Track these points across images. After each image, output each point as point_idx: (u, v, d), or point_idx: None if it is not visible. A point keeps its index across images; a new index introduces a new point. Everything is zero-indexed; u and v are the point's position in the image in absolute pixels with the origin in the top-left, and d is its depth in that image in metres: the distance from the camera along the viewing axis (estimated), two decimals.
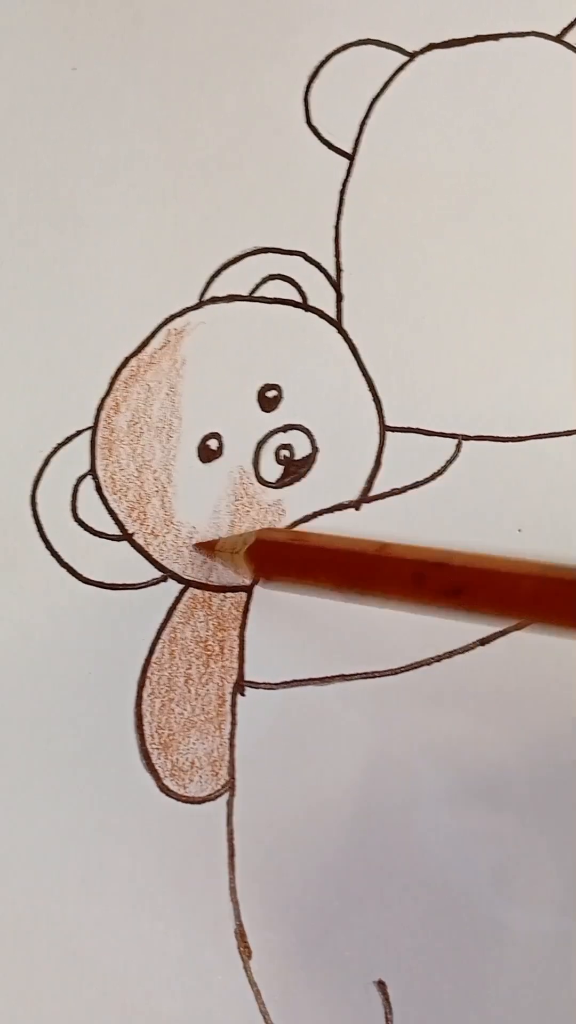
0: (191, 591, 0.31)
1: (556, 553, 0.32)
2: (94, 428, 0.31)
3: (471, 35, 0.33)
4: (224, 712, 0.31)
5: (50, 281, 0.32)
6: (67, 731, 0.31)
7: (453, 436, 0.32)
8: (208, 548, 0.31)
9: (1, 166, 0.32)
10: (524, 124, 0.33)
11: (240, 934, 0.31)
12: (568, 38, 0.33)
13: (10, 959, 0.30)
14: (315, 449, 0.32)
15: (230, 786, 0.31)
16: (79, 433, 0.31)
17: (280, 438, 0.32)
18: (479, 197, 0.33)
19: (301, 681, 0.31)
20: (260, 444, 0.32)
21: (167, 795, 0.31)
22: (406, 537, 0.31)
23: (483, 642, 0.31)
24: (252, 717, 0.31)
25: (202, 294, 0.32)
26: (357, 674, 0.31)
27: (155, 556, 0.31)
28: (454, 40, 0.33)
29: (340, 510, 0.32)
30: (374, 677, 0.31)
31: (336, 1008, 0.31)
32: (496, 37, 0.33)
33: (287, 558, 0.28)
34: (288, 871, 0.31)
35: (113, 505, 0.31)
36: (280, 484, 0.32)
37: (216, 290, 0.32)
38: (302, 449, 0.32)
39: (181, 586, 0.31)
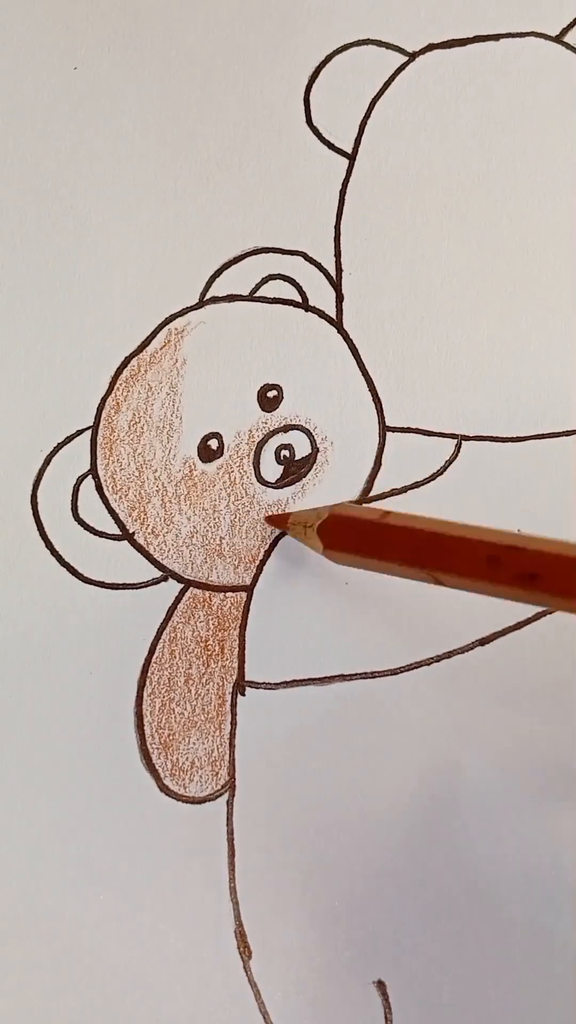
0: (191, 590, 0.31)
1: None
2: (95, 427, 0.31)
3: (471, 35, 0.33)
4: (224, 712, 0.31)
5: (50, 281, 0.32)
6: (67, 731, 0.31)
7: (453, 436, 0.32)
8: (280, 521, 0.31)
9: (1, 166, 0.32)
10: (524, 124, 0.33)
11: (240, 934, 0.31)
12: (567, 38, 0.33)
13: (10, 959, 0.30)
14: (315, 449, 0.32)
15: (230, 786, 0.31)
16: (80, 432, 0.31)
17: (280, 438, 0.32)
18: (479, 197, 0.33)
19: (301, 681, 0.31)
20: (260, 444, 0.32)
21: (167, 795, 0.31)
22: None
23: (483, 642, 0.32)
24: (252, 717, 0.31)
25: (203, 294, 0.32)
26: (357, 674, 0.31)
27: (155, 555, 0.31)
28: (454, 40, 0.33)
29: None
30: (374, 677, 0.31)
31: (336, 1008, 0.31)
32: (496, 37, 0.33)
33: (360, 536, 0.28)
34: (288, 871, 0.31)
35: (113, 504, 0.31)
36: (280, 484, 0.32)
37: (217, 290, 0.32)
38: (302, 449, 0.32)
39: (181, 585, 0.31)
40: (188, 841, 0.31)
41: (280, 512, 0.32)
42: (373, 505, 0.31)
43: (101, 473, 0.31)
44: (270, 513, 0.32)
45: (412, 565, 0.26)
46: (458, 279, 0.33)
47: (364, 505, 0.31)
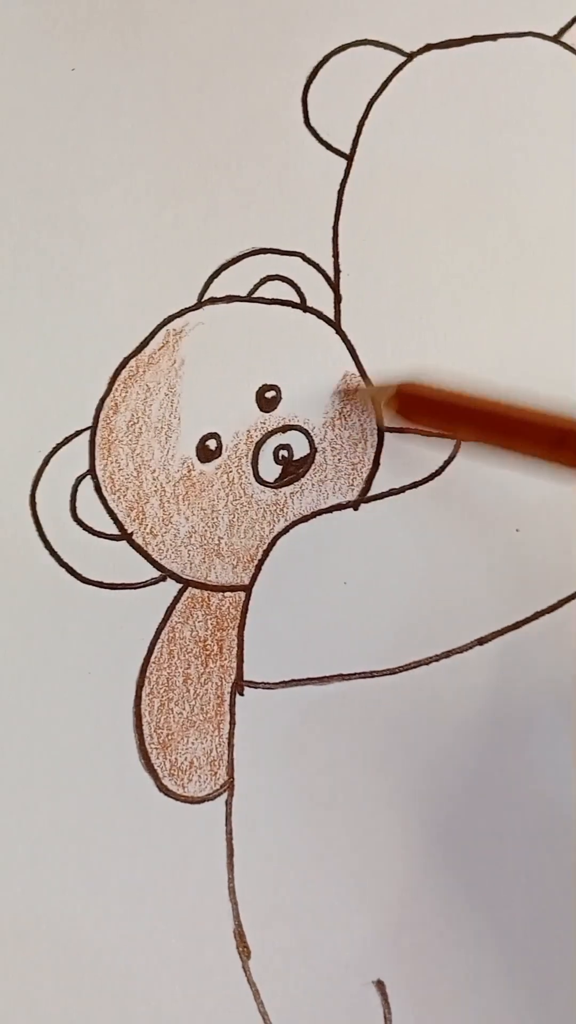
0: (190, 590, 0.31)
1: (554, 553, 0.32)
2: (93, 428, 0.31)
3: (469, 35, 0.33)
4: (223, 712, 0.31)
5: (49, 282, 0.32)
6: (66, 731, 0.31)
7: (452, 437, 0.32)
8: (351, 391, 0.32)
9: (1, 166, 0.32)
10: (522, 124, 0.33)
11: (239, 934, 0.31)
12: (565, 38, 0.33)
13: (10, 959, 0.30)
14: (313, 449, 0.32)
15: (229, 786, 0.31)
16: (78, 433, 0.31)
17: (279, 438, 0.32)
18: (477, 197, 0.33)
19: (300, 681, 0.31)
20: (259, 444, 0.32)
21: (166, 795, 0.31)
22: (403, 538, 0.32)
23: (481, 642, 0.32)
24: (251, 717, 0.31)
25: (201, 295, 0.32)
26: (356, 674, 0.31)
27: (154, 555, 0.31)
28: (452, 40, 0.33)
29: (338, 510, 0.32)
30: (373, 677, 0.31)
31: (335, 1008, 0.31)
32: (494, 37, 0.33)
33: (434, 405, 0.29)
34: (287, 871, 0.31)
35: (112, 505, 0.31)
36: (279, 484, 0.32)
37: (215, 291, 0.32)
38: (300, 449, 0.32)
39: (180, 585, 0.31)
40: (187, 841, 0.31)
41: (279, 510, 0.32)
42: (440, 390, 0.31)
43: (100, 473, 0.31)
44: (263, 515, 0.32)
45: (482, 437, 0.27)
46: (456, 279, 0.33)
47: (432, 386, 0.31)
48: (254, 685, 0.31)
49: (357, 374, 0.32)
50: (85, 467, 0.31)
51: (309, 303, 0.32)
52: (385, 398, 0.29)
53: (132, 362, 0.32)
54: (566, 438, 0.24)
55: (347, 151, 0.33)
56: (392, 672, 0.31)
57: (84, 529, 0.31)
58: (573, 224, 0.33)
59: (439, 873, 0.31)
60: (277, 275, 0.32)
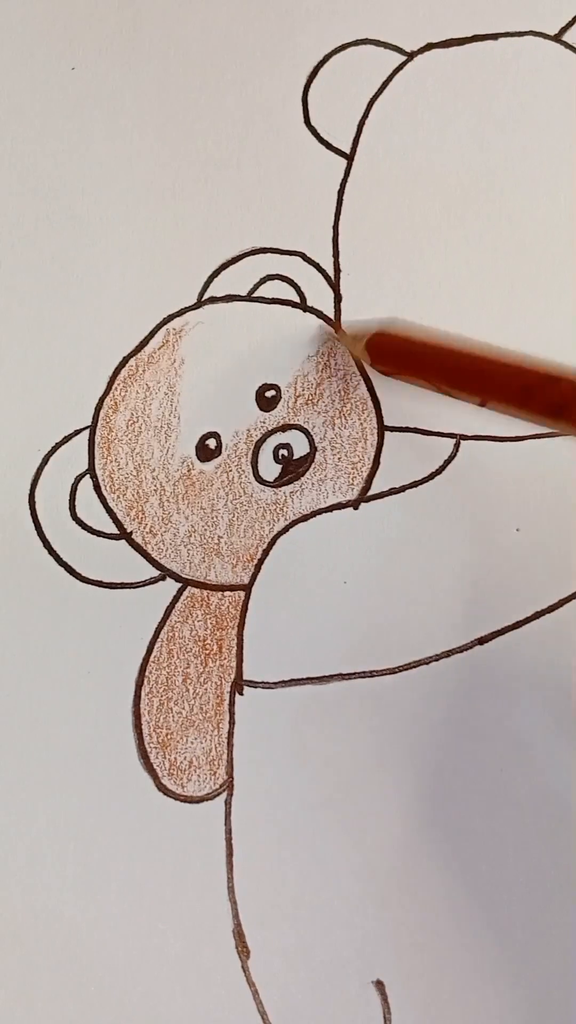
0: (189, 590, 0.31)
1: (554, 553, 0.32)
2: (93, 427, 0.31)
3: (469, 35, 0.33)
4: (222, 711, 0.31)
5: (49, 281, 0.32)
6: (65, 730, 0.31)
7: (452, 436, 0.32)
8: (334, 327, 0.32)
9: (1, 165, 0.32)
10: (522, 123, 0.33)
11: (238, 933, 0.31)
12: (566, 38, 0.33)
13: (9, 958, 0.30)
14: (313, 449, 0.32)
15: (228, 785, 0.31)
16: (78, 432, 0.31)
17: (278, 437, 0.32)
18: (478, 197, 0.33)
19: (300, 680, 0.31)
20: (259, 443, 0.32)
21: (165, 794, 0.31)
22: (403, 537, 0.32)
23: (481, 641, 0.31)
24: (250, 716, 0.31)
25: (201, 294, 0.32)
26: (356, 673, 0.31)
27: (153, 555, 0.31)
28: (452, 40, 0.33)
29: (339, 509, 0.32)
30: (373, 676, 0.31)
31: (335, 1008, 0.31)
32: (494, 37, 0.33)
33: (405, 352, 0.29)
34: (287, 871, 0.31)
35: (111, 504, 0.31)
36: (278, 483, 0.32)
37: (215, 290, 0.32)
38: (300, 448, 0.32)
39: (179, 585, 0.31)
40: (186, 840, 0.31)
41: (279, 509, 0.32)
42: (417, 330, 0.31)
43: (99, 472, 0.31)
44: (262, 514, 0.32)
45: (450, 386, 0.27)
46: (457, 279, 0.33)
47: (411, 327, 0.31)
48: (254, 685, 0.31)
49: (330, 326, 0.32)
50: (84, 466, 0.31)
51: (309, 302, 0.32)
52: (360, 345, 0.29)
53: (132, 361, 0.32)
54: (534, 387, 0.24)
55: (347, 150, 0.33)
56: (392, 672, 0.31)
57: (83, 528, 0.31)
58: (573, 224, 0.33)
59: (439, 873, 0.31)
60: (277, 274, 0.32)
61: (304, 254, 0.32)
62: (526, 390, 0.24)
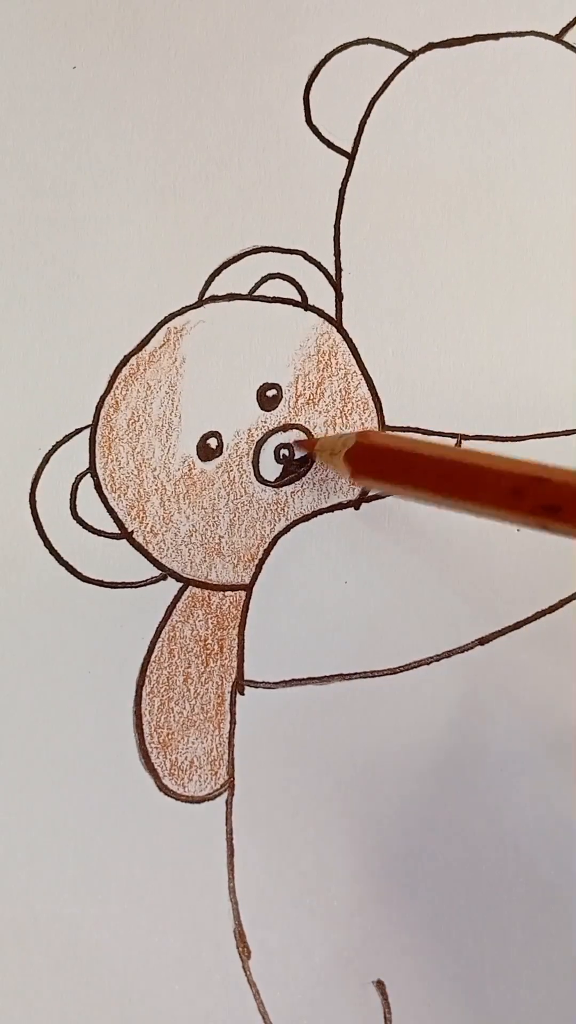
0: (190, 589, 0.31)
1: (554, 553, 0.32)
2: (93, 426, 0.31)
3: (470, 34, 0.33)
4: (223, 711, 0.31)
5: (50, 280, 0.32)
6: (66, 730, 0.31)
7: (453, 435, 0.32)
8: (308, 446, 0.31)
9: (1, 164, 0.32)
10: (523, 123, 0.33)
11: (239, 934, 0.31)
12: (567, 38, 0.33)
13: (10, 959, 0.30)
14: None
15: (229, 785, 0.31)
16: (79, 431, 0.31)
17: (280, 437, 0.32)
18: (479, 196, 0.33)
19: (301, 680, 0.31)
20: (260, 443, 0.32)
21: (166, 794, 0.31)
22: (404, 537, 0.32)
23: (482, 642, 0.31)
24: (251, 716, 0.31)
25: (202, 293, 0.32)
26: (357, 673, 0.31)
27: (154, 554, 0.31)
28: (453, 39, 0.33)
29: (339, 509, 0.32)
30: (374, 676, 0.31)
31: (336, 1008, 0.31)
32: (495, 36, 0.33)
33: (386, 462, 0.28)
34: (287, 871, 0.31)
35: (112, 503, 0.31)
36: (279, 483, 0.32)
37: (216, 289, 0.32)
38: (301, 448, 0.32)
39: (180, 584, 0.31)
40: (187, 841, 0.31)
41: (280, 509, 0.32)
42: (398, 438, 0.31)
43: (100, 472, 0.31)
44: (263, 514, 0.32)
45: (436, 492, 0.26)
46: (458, 278, 0.33)
47: (390, 433, 0.31)
48: (255, 684, 0.31)
49: (308, 442, 0.32)
50: (85, 465, 0.31)
51: (311, 301, 0.32)
52: (339, 458, 0.29)
53: (133, 360, 0.32)
54: (524, 488, 0.24)
55: (349, 149, 0.33)
56: (392, 672, 0.31)
57: (84, 528, 0.31)
58: (573, 223, 0.33)
59: (439, 873, 0.31)
60: (278, 273, 0.32)
61: (305, 253, 0.32)
62: (516, 492, 0.24)
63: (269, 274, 0.32)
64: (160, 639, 0.31)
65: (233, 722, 0.31)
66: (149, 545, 0.31)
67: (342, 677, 0.31)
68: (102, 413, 0.31)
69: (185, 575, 0.31)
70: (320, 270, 0.32)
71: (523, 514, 0.24)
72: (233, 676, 0.31)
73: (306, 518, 0.32)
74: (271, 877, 0.31)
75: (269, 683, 0.31)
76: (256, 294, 0.32)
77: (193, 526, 0.31)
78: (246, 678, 0.31)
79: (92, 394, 0.31)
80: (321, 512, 0.32)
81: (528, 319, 0.33)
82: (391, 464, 0.28)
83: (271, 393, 0.32)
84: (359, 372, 0.32)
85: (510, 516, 0.24)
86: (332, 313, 0.32)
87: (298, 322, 0.32)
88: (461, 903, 0.31)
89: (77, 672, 0.31)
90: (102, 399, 0.31)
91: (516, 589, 0.32)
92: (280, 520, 0.32)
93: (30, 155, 0.32)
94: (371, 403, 0.32)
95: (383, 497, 0.32)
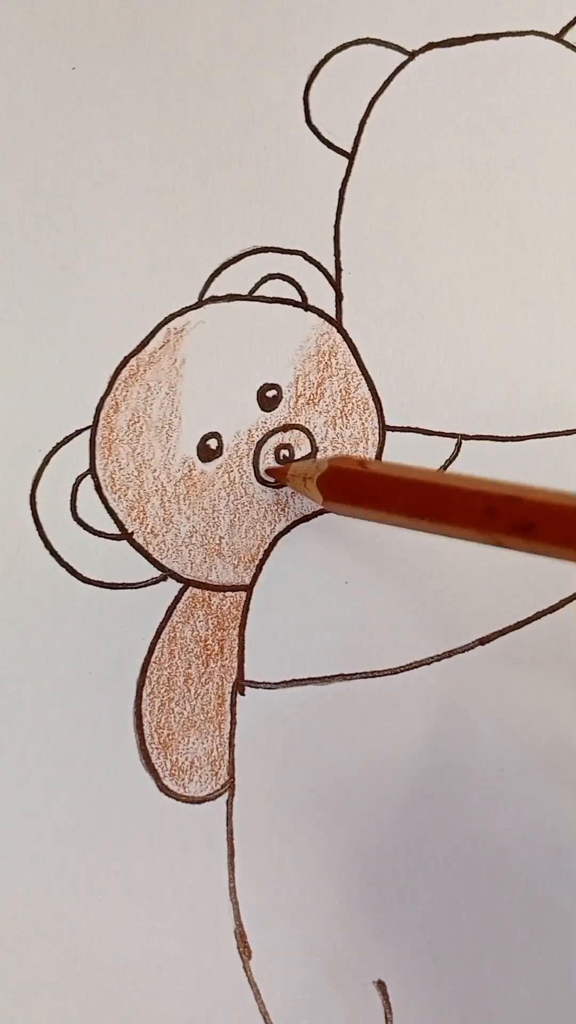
0: (191, 590, 0.31)
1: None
2: (93, 427, 0.31)
3: (470, 34, 0.33)
4: (224, 712, 0.31)
5: (49, 280, 0.32)
6: (66, 731, 0.31)
7: (453, 436, 0.32)
8: (279, 474, 0.31)
9: (1, 165, 0.32)
10: (523, 123, 0.33)
11: (240, 934, 0.31)
12: (567, 37, 0.33)
13: (10, 959, 0.30)
14: (315, 449, 0.32)
15: (230, 786, 0.31)
16: (79, 432, 0.31)
17: (280, 437, 0.32)
18: (479, 196, 0.33)
19: (301, 681, 0.31)
20: (260, 444, 0.32)
21: (167, 795, 0.31)
22: (405, 537, 0.32)
23: (483, 642, 0.31)
24: (252, 717, 0.31)
25: (202, 293, 0.32)
26: (357, 674, 0.31)
27: (155, 555, 0.31)
28: (454, 39, 0.33)
29: None
30: (374, 677, 0.31)
31: (336, 1008, 0.31)
32: (495, 36, 0.33)
33: (359, 487, 0.28)
34: (288, 871, 0.31)
35: (112, 504, 0.31)
36: (280, 484, 0.32)
37: (216, 289, 0.32)
38: (302, 448, 0.32)
39: (181, 585, 0.31)
40: (187, 841, 0.31)
41: (280, 510, 0.32)
42: (369, 462, 0.31)
43: (100, 473, 0.31)
44: (264, 514, 0.32)
45: (411, 516, 0.26)
46: (458, 278, 0.33)
47: (361, 458, 0.31)
48: (255, 685, 0.31)
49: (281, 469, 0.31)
50: (85, 466, 0.31)
51: (311, 302, 0.32)
52: (312, 484, 0.29)
53: (133, 361, 0.32)
54: (497, 508, 0.24)
55: (348, 150, 0.33)
56: (393, 672, 0.31)
57: (84, 529, 0.31)
58: (573, 223, 0.33)
59: (439, 873, 0.31)
60: (278, 274, 0.32)
61: (305, 253, 0.32)
62: (490, 512, 0.24)
63: (269, 274, 0.32)
64: (160, 640, 0.31)
65: (233, 722, 0.31)
66: (149, 546, 0.31)
67: (342, 677, 0.31)
68: (102, 414, 0.31)
69: (185, 576, 0.31)
70: (320, 270, 0.32)
71: (498, 533, 0.24)
72: (233, 676, 0.31)
73: (306, 518, 0.32)
74: (272, 877, 0.31)
75: (269, 683, 0.31)
76: (256, 294, 0.32)
77: (193, 527, 0.31)
78: (246, 678, 0.31)
79: (92, 395, 0.31)
80: (321, 512, 0.32)
81: (528, 319, 0.33)
82: (364, 489, 0.28)
83: (271, 393, 0.32)
84: (359, 372, 0.32)
85: (486, 536, 0.24)
86: (332, 313, 0.32)
87: (298, 322, 0.32)
88: (462, 903, 0.31)
89: (78, 673, 0.31)
90: (102, 400, 0.31)
91: (516, 589, 0.32)
92: (280, 520, 0.32)
93: (30, 155, 0.32)
94: (371, 403, 0.32)
95: None
